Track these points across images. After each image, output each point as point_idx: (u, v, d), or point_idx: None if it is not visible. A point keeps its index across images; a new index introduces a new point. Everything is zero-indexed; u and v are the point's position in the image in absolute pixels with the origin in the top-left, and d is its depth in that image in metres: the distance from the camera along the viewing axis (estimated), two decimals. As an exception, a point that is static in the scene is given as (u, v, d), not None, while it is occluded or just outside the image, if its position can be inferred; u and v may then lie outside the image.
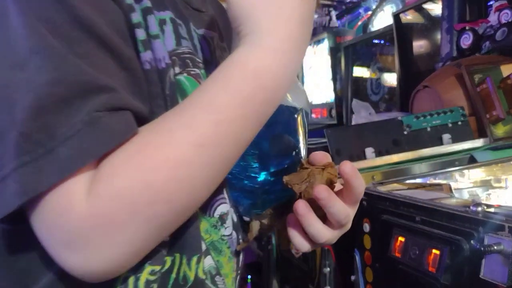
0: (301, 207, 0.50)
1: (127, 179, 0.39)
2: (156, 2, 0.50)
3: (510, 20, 1.63)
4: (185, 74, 0.51)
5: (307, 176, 0.51)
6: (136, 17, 0.46)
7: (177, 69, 0.51)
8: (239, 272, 0.62)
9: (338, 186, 0.52)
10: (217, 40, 0.62)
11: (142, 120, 0.43)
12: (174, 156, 0.40)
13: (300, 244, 0.53)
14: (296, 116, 0.56)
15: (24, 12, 0.40)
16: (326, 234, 0.52)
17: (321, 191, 0.49)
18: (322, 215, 0.51)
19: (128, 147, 0.40)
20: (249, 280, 2.06)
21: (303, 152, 0.57)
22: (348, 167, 0.50)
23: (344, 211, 0.51)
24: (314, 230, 0.51)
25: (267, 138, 0.54)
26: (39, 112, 0.38)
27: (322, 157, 0.54)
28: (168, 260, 0.48)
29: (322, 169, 0.52)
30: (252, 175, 0.56)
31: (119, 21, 0.45)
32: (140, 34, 0.46)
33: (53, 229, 0.39)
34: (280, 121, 0.54)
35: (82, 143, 0.38)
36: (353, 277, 1.15)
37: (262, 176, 0.56)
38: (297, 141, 0.56)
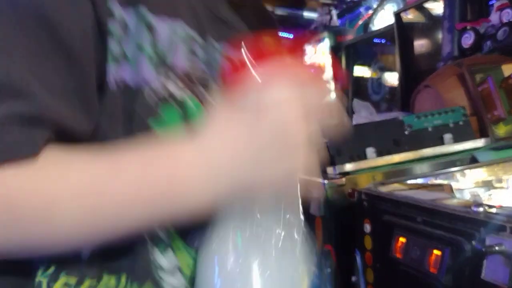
0: None
1: None
2: (166, 7, 0.46)
3: (511, 20, 1.63)
4: (188, 93, 0.48)
5: None
6: (113, 24, 0.42)
7: (177, 87, 0.47)
8: None
9: None
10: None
11: (80, 132, 0.41)
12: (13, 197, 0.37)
13: None
14: None
15: None
16: None
17: None
18: None
19: (17, 168, 0.37)
20: (249, 280, 2.05)
21: None
22: None
23: None
24: None
25: None
26: None
27: None
28: (109, 278, 0.44)
29: None
30: None
31: (86, 20, 0.41)
32: (112, 44, 0.43)
33: None
34: None
35: None
36: (353, 278, 1.14)
37: None
38: None
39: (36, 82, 0.38)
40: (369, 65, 2.68)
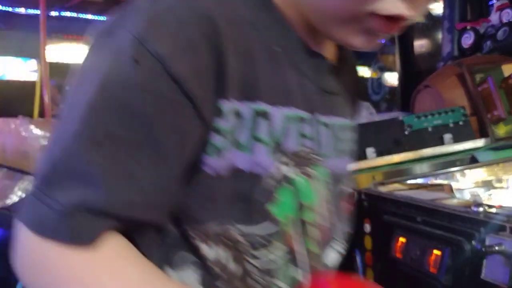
0: None
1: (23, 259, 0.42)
2: (280, 96, 0.48)
3: (511, 20, 1.63)
4: (297, 172, 0.50)
5: None
6: (220, 121, 0.44)
7: (288, 168, 0.49)
8: None
9: None
10: (345, 124, 0.59)
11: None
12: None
13: None
14: None
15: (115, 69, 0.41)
16: None
17: None
18: None
19: (73, 250, 0.40)
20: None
21: None
22: None
23: None
24: None
25: None
26: (53, 169, 0.41)
27: None
28: None
29: None
30: None
31: (183, 120, 0.42)
32: (216, 138, 0.44)
33: None
34: None
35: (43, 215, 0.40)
36: (354, 278, 1.14)
37: None
38: None
39: (115, 174, 0.40)
40: (369, 65, 2.68)
